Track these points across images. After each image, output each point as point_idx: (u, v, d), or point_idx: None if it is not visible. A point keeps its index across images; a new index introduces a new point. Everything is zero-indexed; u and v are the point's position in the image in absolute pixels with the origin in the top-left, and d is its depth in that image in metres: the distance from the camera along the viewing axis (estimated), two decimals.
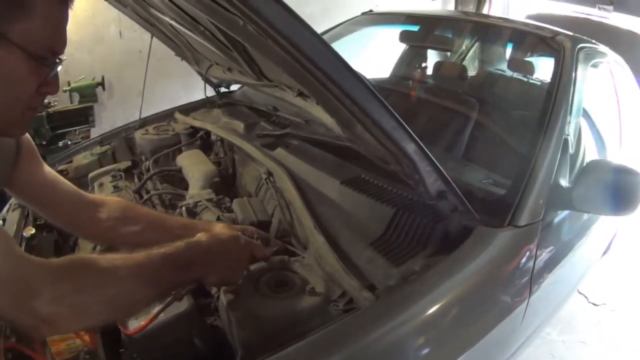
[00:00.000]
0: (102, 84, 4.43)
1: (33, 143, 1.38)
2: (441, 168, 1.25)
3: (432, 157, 1.20)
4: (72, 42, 3.52)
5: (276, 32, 0.88)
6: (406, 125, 1.10)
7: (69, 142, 4.01)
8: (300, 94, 1.61)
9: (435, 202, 1.33)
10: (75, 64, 4.45)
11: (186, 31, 1.84)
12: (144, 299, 1.06)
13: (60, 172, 2.31)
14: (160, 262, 1.07)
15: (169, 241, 1.50)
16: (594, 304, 3.39)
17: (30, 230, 1.81)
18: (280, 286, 1.30)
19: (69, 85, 4.32)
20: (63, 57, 1.05)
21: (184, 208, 1.80)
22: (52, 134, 4.01)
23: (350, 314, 1.18)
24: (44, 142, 3.97)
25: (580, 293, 3.38)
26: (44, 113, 3.91)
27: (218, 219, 1.70)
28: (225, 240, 1.24)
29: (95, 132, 4.04)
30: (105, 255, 1.04)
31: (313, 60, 0.94)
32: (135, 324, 1.23)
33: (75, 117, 4.20)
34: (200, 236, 1.21)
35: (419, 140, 1.14)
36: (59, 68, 1.05)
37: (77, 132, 4.20)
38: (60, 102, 4.21)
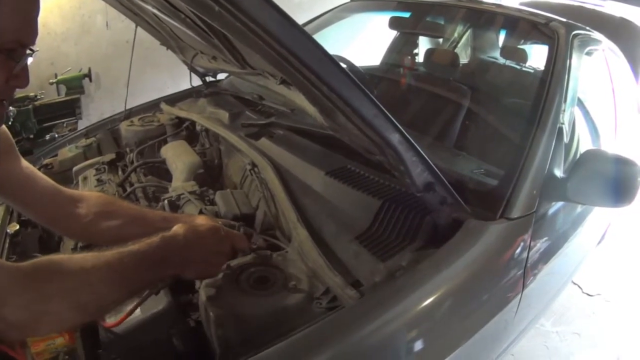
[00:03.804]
0: (88, 75, 4.40)
1: (11, 138, 1.35)
2: (428, 159, 1.20)
3: (418, 148, 1.15)
4: (58, 33, 3.53)
5: (244, 14, 0.83)
6: (389, 114, 1.05)
7: (56, 135, 3.97)
8: (283, 82, 1.57)
9: (422, 194, 1.28)
10: (62, 55, 4.43)
11: (169, 19, 1.80)
12: (116, 300, 1.04)
13: (46, 166, 2.32)
14: (132, 261, 1.04)
15: (149, 235, 1.47)
16: (588, 295, 3.37)
17: (14, 227, 1.78)
18: (261, 283, 1.26)
19: (55, 77, 4.30)
20: (35, 48, 1.01)
21: (166, 201, 1.76)
22: (39, 127, 4.00)
23: (333, 312, 1.13)
24: (31, 136, 3.94)
25: (575, 283, 3.36)
26: (30, 106, 3.89)
27: (200, 212, 1.67)
28: (204, 232, 1.20)
29: (82, 124, 4.00)
30: (74, 256, 1.02)
31: (284, 44, 0.89)
32: (112, 318, 1.19)
33: (62, 109, 4.18)
34: (177, 229, 1.18)
35: (403, 130, 1.09)
36: (30, 60, 1.01)
37: (65, 125, 4.17)
38: (47, 94, 4.20)
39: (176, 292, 1.31)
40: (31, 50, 1.00)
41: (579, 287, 3.40)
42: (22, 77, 1.00)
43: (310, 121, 1.74)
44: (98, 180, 2.03)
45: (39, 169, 2.10)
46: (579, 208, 1.95)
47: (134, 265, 1.04)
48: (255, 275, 1.28)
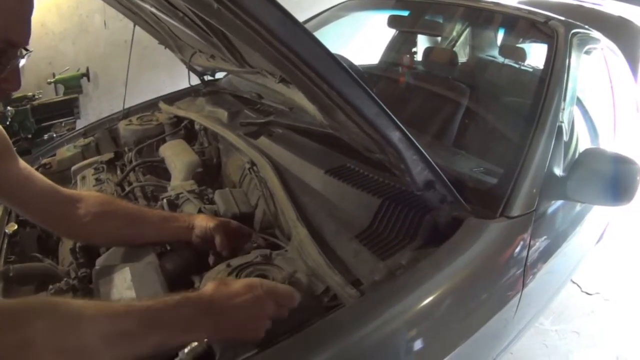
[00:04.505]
0: (86, 75, 4.39)
1: (8, 138, 1.33)
2: (428, 157, 1.19)
3: (419, 146, 1.15)
4: (56, 33, 3.53)
5: (244, 11, 0.83)
6: (390, 112, 1.04)
7: (54, 135, 3.96)
8: (282, 80, 1.56)
9: (422, 192, 1.27)
10: (60, 55, 4.42)
11: (167, 18, 1.79)
12: (113, 357, 0.87)
13: (44, 165, 2.30)
14: (140, 317, 0.90)
15: (149, 235, 1.47)
16: (587, 293, 3.38)
17: (13, 227, 1.77)
18: None
19: (53, 76, 4.29)
20: (30, 48, 0.95)
21: (165, 200, 1.75)
22: (37, 127, 3.99)
23: (333, 311, 1.12)
24: (30, 136, 3.93)
25: (574, 282, 3.36)
26: (28, 106, 3.89)
27: (199, 211, 1.66)
28: (236, 291, 1.03)
29: (80, 124, 4.01)
30: (72, 301, 0.89)
31: (284, 41, 0.88)
32: None
33: (60, 109, 4.18)
34: (206, 288, 1.03)
35: (403, 128, 1.09)
36: (22, 62, 0.95)
37: (63, 125, 4.17)
38: (45, 94, 4.19)
39: (175, 290, 1.31)
40: (26, 50, 0.94)
41: (578, 285, 3.40)
42: (13, 80, 0.94)
43: (310, 119, 1.73)
44: (96, 179, 2.02)
45: (37, 169, 2.10)
46: (578, 207, 1.95)
47: (140, 323, 0.89)
48: (254, 274, 1.26)
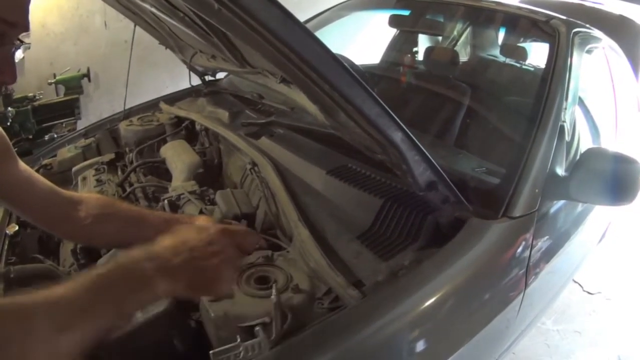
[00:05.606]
0: (87, 75, 4.38)
1: (8, 140, 1.31)
2: (430, 157, 1.19)
3: (421, 146, 1.14)
4: (57, 34, 3.52)
5: (245, 11, 0.82)
6: (392, 113, 1.04)
7: (55, 135, 3.96)
8: (283, 80, 1.56)
9: (425, 193, 1.27)
10: (60, 55, 4.41)
11: (167, 18, 1.79)
12: (73, 342, 0.76)
13: (45, 166, 2.30)
14: (85, 289, 0.81)
15: (150, 237, 1.46)
16: (588, 293, 3.37)
17: (14, 227, 1.76)
18: (262, 283, 1.24)
19: (54, 77, 4.28)
20: (27, 40, 0.94)
21: (166, 201, 1.75)
22: (38, 128, 3.98)
23: (335, 312, 1.12)
24: (30, 136, 3.93)
25: (575, 282, 3.35)
26: (29, 107, 3.88)
27: (201, 211, 1.66)
28: (184, 235, 0.95)
29: (81, 124, 3.99)
30: (14, 297, 0.81)
31: (285, 41, 0.88)
32: None
33: (61, 109, 4.16)
34: (160, 240, 0.93)
35: (405, 128, 1.08)
36: (19, 56, 0.94)
37: (64, 125, 4.15)
38: (45, 94, 4.17)
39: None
40: (20, 40, 0.92)
41: (579, 285, 3.39)
42: (7, 71, 0.92)
43: (311, 120, 1.73)
44: (97, 180, 2.02)
45: (38, 170, 2.10)
46: (580, 207, 1.94)
47: (86, 296, 0.80)
48: (256, 275, 1.26)
